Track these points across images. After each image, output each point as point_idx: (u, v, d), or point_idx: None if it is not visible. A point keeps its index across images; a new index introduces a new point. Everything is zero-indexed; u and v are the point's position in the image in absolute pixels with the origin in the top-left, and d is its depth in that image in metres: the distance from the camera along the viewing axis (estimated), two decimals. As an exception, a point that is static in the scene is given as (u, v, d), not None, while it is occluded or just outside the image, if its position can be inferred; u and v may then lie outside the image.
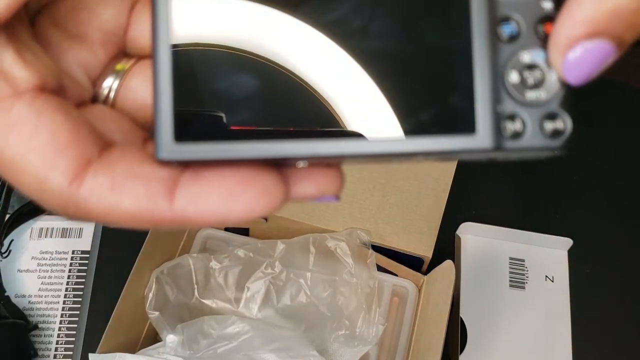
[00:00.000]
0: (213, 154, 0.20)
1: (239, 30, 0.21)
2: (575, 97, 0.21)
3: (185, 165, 0.20)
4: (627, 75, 0.68)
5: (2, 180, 0.54)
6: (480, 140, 0.20)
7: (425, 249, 0.55)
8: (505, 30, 0.21)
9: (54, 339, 0.58)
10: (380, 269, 0.56)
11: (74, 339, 0.58)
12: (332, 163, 0.22)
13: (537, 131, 0.21)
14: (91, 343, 0.56)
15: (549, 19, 0.21)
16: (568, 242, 0.60)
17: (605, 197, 0.65)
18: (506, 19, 0.21)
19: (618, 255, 0.62)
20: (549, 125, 0.21)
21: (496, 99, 0.20)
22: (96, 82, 0.23)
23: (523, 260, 0.60)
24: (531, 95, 0.21)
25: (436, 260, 0.54)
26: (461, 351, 0.55)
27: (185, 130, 0.20)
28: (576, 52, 0.19)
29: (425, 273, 0.56)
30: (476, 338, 0.56)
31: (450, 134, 0.20)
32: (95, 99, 0.23)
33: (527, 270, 0.60)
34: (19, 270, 0.60)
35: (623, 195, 0.65)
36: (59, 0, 0.22)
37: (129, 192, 0.20)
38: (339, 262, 0.55)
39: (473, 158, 0.22)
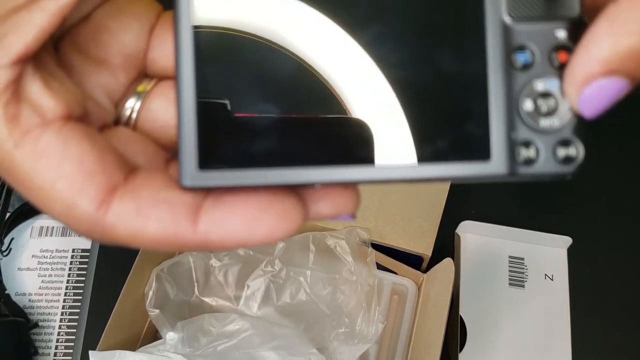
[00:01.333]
0: (236, 181, 0.21)
1: (263, 61, 0.22)
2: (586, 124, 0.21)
3: (208, 190, 0.21)
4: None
5: (1, 179, 0.54)
6: (494, 166, 0.21)
7: (424, 247, 0.55)
8: (520, 58, 0.21)
9: (54, 336, 0.58)
10: (380, 267, 0.56)
11: (74, 336, 0.58)
12: (349, 184, 0.22)
13: (550, 158, 0.21)
14: (91, 341, 0.56)
15: (563, 48, 0.21)
16: (567, 240, 0.60)
17: (605, 195, 0.65)
18: (521, 48, 0.21)
19: (618, 253, 0.62)
20: (562, 152, 0.21)
21: (510, 126, 0.21)
22: (118, 103, 0.24)
23: (522, 259, 0.60)
24: (545, 122, 0.21)
25: (436, 259, 0.54)
26: (461, 349, 0.55)
27: (209, 159, 0.21)
28: (592, 88, 0.20)
29: (425, 271, 0.56)
30: (476, 336, 0.56)
31: (466, 160, 0.21)
32: (117, 120, 0.24)
33: (527, 269, 0.60)
34: (19, 269, 0.60)
35: (623, 193, 0.65)
36: (81, 25, 0.23)
37: (154, 216, 0.20)
38: (338, 260, 0.55)
39: (486, 182, 0.22)
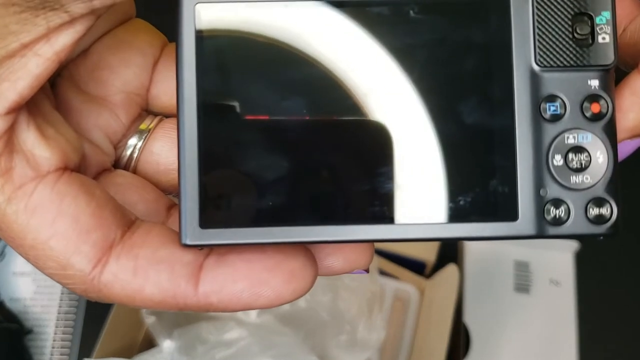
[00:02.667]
0: (240, 239, 0.20)
1: (266, 113, 0.20)
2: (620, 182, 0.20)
3: (211, 247, 0.20)
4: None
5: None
6: (522, 227, 0.20)
7: (428, 253, 0.55)
8: (550, 109, 0.20)
9: (49, 343, 0.57)
10: (382, 272, 0.56)
11: (69, 342, 0.57)
12: None
13: (581, 217, 0.20)
14: (87, 348, 0.56)
15: (597, 98, 0.20)
16: (574, 245, 0.59)
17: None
18: (551, 98, 0.20)
19: (627, 258, 0.61)
20: (594, 211, 0.20)
21: (539, 183, 0.20)
22: (118, 144, 0.23)
23: (528, 264, 0.60)
24: (576, 179, 0.20)
25: (439, 264, 0.54)
26: (465, 356, 0.55)
27: (212, 216, 0.20)
28: (619, 145, 0.20)
29: (428, 277, 0.56)
30: (480, 343, 0.56)
31: (491, 220, 0.20)
32: (117, 160, 0.23)
33: (532, 274, 0.59)
34: (13, 273, 0.60)
35: (633, 195, 0.64)
36: (79, 60, 0.22)
37: (152, 277, 0.19)
38: (339, 266, 0.54)
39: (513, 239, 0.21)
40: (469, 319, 0.56)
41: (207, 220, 0.20)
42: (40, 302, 0.59)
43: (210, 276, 0.19)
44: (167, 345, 0.49)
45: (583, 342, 0.56)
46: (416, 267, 0.56)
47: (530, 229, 0.20)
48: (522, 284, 0.59)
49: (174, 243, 0.20)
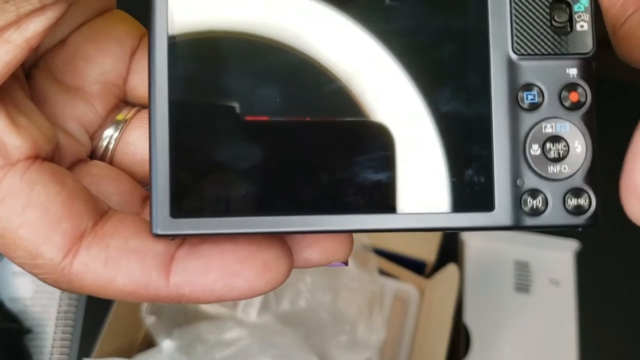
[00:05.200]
0: (212, 229, 0.19)
1: (238, 99, 0.20)
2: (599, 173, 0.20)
3: (183, 237, 0.20)
4: (623, 73, 0.67)
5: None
6: (498, 218, 0.20)
7: (428, 252, 0.55)
8: (527, 98, 0.20)
9: (49, 342, 0.57)
10: (382, 272, 0.56)
11: (69, 342, 0.57)
12: None
13: (559, 208, 0.20)
14: (86, 348, 0.56)
15: (574, 87, 0.19)
16: (574, 244, 0.59)
17: (615, 196, 0.64)
18: (528, 87, 0.20)
19: (627, 258, 0.61)
20: (572, 202, 0.20)
21: (516, 173, 0.19)
22: (94, 135, 0.22)
23: (528, 263, 0.59)
24: (554, 169, 0.20)
25: (439, 264, 0.54)
26: (465, 356, 0.55)
27: (183, 206, 0.19)
28: None
29: (428, 277, 0.56)
30: (480, 343, 0.56)
31: (467, 210, 0.20)
32: (94, 151, 0.22)
33: (532, 274, 0.59)
34: (13, 273, 0.60)
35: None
36: (56, 51, 0.22)
37: (123, 267, 0.19)
38: (339, 266, 0.54)
39: (489, 230, 0.21)
40: (469, 318, 0.56)
41: (178, 209, 0.19)
42: (40, 302, 0.59)
43: (182, 267, 0.19)
44: (166, 345, 0.49)
45: (583, 342, 0.56)
46: (416, 267, 0.56)
47: (507, 220, 0.19)
48: (522, 284, 0.59)
49: (147, 233, 0.19)
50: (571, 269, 0.60)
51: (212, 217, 0.19)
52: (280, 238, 0.20)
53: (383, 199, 0.20)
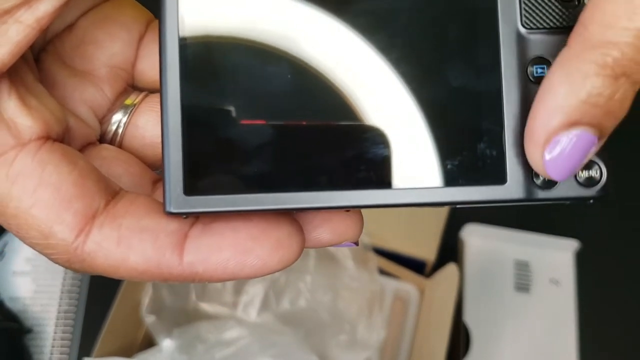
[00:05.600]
0: (224, 206, 0.19)
1: (255, 74, 0.20)
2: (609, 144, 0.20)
3: (196, 215, 0.20)
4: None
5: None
6: (510, 191, 0.20)
7: (428, 252, 0.55)
8: (537, 70, 0.20)
9: (49, 342, 0.57)
10: (382, 272, 0.56)
11: (69, 342, 0.57)
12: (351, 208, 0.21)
13: (570, 180, 0.20)
14: (86, 347, 0.56)
15: None
16: (574, 244, 0.59)
17: (615, 196, 0.64)
18: (538, 60, 0.20)
19: (627, 257, 0.61)
20: (583, 174, 0.20)
21: None
22: (104, 118, 0.22)
23: (528, 263, 0.59)
24: None
25: (439, 263, 0.54)
26: (465, 356, 0.55)
27: (196, 183, 0.19)
28: (555, 148, 0.18)
29: (428, 276, 0.56)
30: (480, 343, 0.55)
31: (479, 184, 0.20)
32: (103, 136, 0.22)
33: (532, 273, 0.59)
34: (13, 273, 0.60)
35: (632, 195, 0.64)
36: (64, 35, 0.22)
37: (136, 246, 0.19)
38: (339, 266, 0.54)
39: (504, 205, 0.21)
40: (469, 318, 0.56)
41: (192, 187, 0.19)
42: (40, 301, 0.59)
43: (195, 245, 0.19)
44: (166, 344, 0.49)
45: (583, 342, 0.56)
46: (416, 266, 0.56)
47: (519, 192, 0.20)
48: (522, 284, 0.59)
49: (159, 213, 0.20)
50: (571, 268, 0.59)
51: (225, 194, 0.19)
52: (291, 217, 0.20)
53: (395, 174, 0.20)
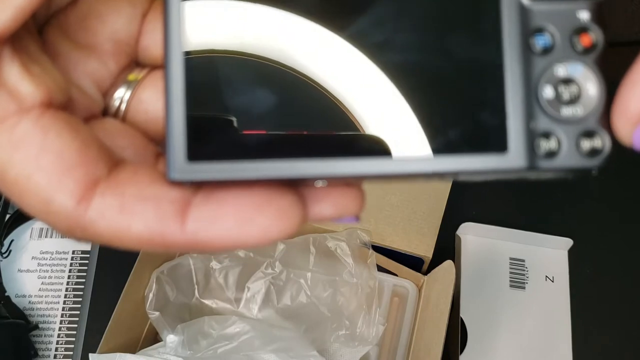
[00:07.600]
0: (228, 174, 0.19)
1: (255, 38, 0.20)
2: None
3: (199, 185, 0.19)
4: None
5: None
6: (512, 159, 0.19)
7: (425, 249, 0.55)
8: (539, 41, 0.20)
9: (54, 338, 0.57)
10: (380, 269, 0.56)
11: (74, 338, 0.58)
12: (353, 182, 0.20)
13: (573, 150, 0.19)
14: (91, 343, 0.56)
15: (586, 30, 0.19)
16: (568, 242, 0.60)
17: (607, 196, 0.65)
18: (539, 30, 0.20)
19: (619, 255, 0.62)
20: (586, 144, 0.19)
21: (529, 116, 0.19)
22: (107, 93, 0.22)
23: (523, 261, 0.60)
24: (567, 111, 0.19)
25: (436, 261, 0.54)
26: (461, 351, 0.55)
27: (198, 149, 0.19)
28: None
29: (426, 273, 0.56)
30: (476, 338, 0.56)
31: (481, 152, 0.19)
32: (106, 110, 0.22)
33: (527, 271, 0.60)
34: (19, 270, 0.60)
35: (624, 194, 0.65)
36: (68, 9, 0.22)
37: (139, 214, 0.19)
38: (339, 262, 0.54)
39: (505, 177, 0.20)
40: (465, 314, 0.57)
41: (195, 152, 0.19)
42: (46, 298, 0.59)
43: (198, 213, 0.19)
44: (170, 339, 0.50)
45: (577, 338, 0.57)
46: (414, 263, 0.56)
47: (520, 161, 0.19)
48: (518, 281, 0.59)
49: (162, 182, 0.19)
50: (566, 266, 0.60)
51: (229, 161, 0.19)
52: (294, 189, 0.20)
53: (396, 142, 0.19)
